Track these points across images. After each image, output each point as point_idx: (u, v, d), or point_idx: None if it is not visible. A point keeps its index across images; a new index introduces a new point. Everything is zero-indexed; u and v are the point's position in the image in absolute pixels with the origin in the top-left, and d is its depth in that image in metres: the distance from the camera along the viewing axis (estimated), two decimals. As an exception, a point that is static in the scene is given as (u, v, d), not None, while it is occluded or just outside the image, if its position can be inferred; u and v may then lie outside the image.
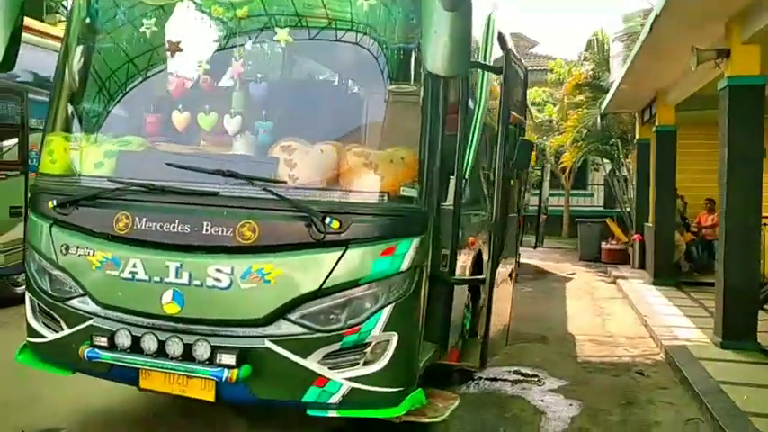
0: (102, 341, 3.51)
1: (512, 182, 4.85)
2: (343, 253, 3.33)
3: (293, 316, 3.38)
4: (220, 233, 3.42)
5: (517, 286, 10.92)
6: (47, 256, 3.81)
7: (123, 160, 3.78)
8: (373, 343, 3.37)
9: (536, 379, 5.49)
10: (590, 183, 21.52)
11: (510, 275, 4.94)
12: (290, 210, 3.35)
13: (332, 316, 3.36)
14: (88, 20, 4.06)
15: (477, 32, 5.58)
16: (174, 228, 3.48)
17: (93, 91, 4.03)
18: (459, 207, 4.49)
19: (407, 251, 3.38)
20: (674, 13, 6.24)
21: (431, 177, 3.50)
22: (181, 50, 3.77)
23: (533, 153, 4.60)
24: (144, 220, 3.54)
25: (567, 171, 17.04)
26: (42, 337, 3.88)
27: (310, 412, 3.43)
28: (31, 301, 3.95)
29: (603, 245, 14.44)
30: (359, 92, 3.81)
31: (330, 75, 4.15)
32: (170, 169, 3.55)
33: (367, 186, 3.43)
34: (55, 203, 3.74)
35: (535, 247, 13.90)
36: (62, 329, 3.77)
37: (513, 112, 4.37)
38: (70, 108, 4.03)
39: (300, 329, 3.37)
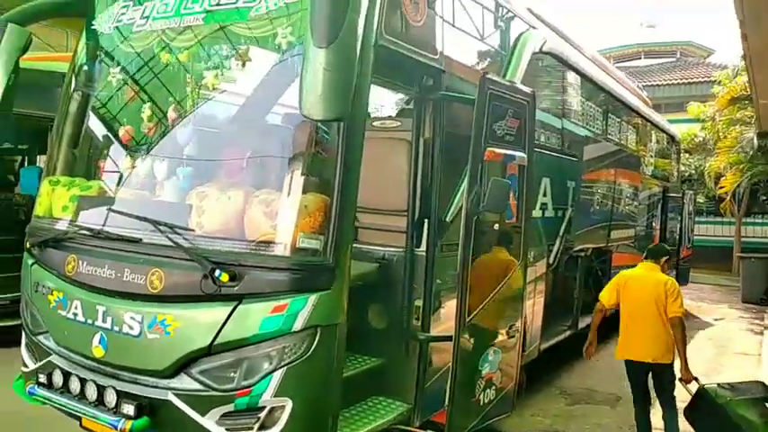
0: (43, 379, 3.67)
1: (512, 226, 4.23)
2: (234, 308, 3.12)
3: (193, 371, 3.25)
4: (136, 280, 3.40)
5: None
6: (27, 292, 4.10)
7: (80, 205, 3.95)
8: (267, 407, 3.11)
9: (562, 453, 4.71)
10: (774, 209, 18.53)
11: (509, 334, 4.30)
12: (189, 260, 3.23)
13: (226, 374, 3.18)
14: (79, 70, 4.32)
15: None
16: (103, 272, 3.55)
17: (73, 137, 4.27)
18: (434, 254, 4.06)
19: (302, 309, 3.07)
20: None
21: (341, 227, 3.14)
22: (133, 97, 3.89)
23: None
24: (84, 263, 3.66)
25: (729, 197, 14.74)
26: (26, 366, 4.17)
27: (208, 473, 3.25)
28: (23, 332, 4.27)
29: (772, 284, 12.27)
30: (279, 135, 3.58)
31: (254, 118, 3.97)
32: (111, 215, 3.67)
33: (263, 236, 3.19)
34: (29, 244, 4.04)
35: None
36: (35, 362, 4.01)
37: (491, 149, 3.80)
38: (57, 152, 4.30)
39: (198, 386, 3.23)
